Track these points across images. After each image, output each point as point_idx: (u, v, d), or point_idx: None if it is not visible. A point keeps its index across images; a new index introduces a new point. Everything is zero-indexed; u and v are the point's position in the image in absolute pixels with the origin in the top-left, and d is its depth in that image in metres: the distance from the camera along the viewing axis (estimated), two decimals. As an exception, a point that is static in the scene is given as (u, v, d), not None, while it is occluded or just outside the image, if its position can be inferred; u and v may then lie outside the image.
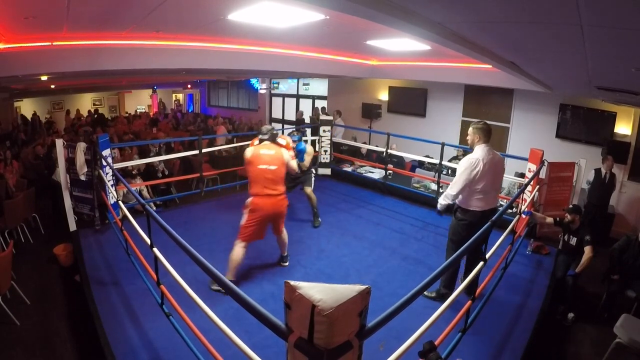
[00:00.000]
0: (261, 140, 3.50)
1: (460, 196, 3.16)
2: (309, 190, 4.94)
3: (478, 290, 2.57)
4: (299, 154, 4.61)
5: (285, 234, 3.77)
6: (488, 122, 3.29)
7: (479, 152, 3.09)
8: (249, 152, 3.39)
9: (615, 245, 3.93)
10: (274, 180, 3.36)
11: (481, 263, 2.48)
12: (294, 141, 4.57)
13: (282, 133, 5.05)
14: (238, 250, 3.40)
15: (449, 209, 3.40)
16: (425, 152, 6.63)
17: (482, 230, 2.34)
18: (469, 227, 3.12)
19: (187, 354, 2.34)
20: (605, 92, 4.03)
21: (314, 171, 5.09)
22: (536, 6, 1.50)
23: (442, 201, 3.27)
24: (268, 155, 3.39)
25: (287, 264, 3.97)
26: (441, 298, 3.32)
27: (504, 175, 5.93)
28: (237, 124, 11.53)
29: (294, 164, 3.69)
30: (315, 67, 6.35)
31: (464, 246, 2.15)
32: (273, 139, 3.53)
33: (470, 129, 3.19)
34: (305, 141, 5.15)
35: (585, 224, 4.04)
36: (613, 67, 2.56)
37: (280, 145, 3.65)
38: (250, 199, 3.38)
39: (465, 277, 3.22)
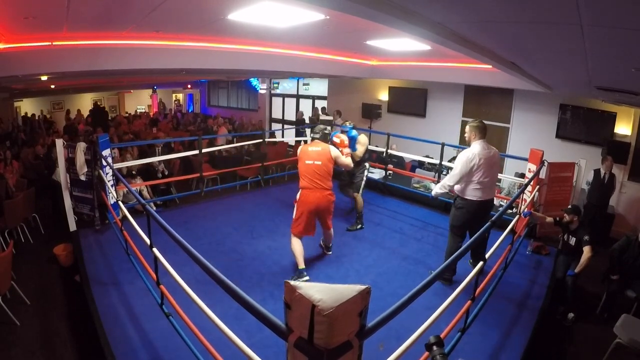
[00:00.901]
0: (313, 139, 3.77)
1: (458, 186, 3.46)
2: (356, 194, 4.87)
3: (478, 290, 2.57)
4: (351, 141, 4.58)
5: (332, 230, 3.96)
6: (488, 122, 3.44)
7: (476, 147, 3.37)
8: (299, 150, 3.72)
9: (615, 245, 3.93)
10: (321, 175, 3.58)
11: (481, 263, 2.48)
12: (343, 131, 4.62)
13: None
14: (294, 242, 3.64)
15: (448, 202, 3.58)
16: (425, 152, 6.63)
17: (487, 227, 2.42)
18: (468, 214, 3.44)
19: (187, 354, 2.34)
20: (605, 92, 4.03)
21: (367, 167, 4.90)
22: (536, 6, 1.50)
23: (438, 190, 3.64)
24: (314, 151, 3.63)
25: (331, 252, 4.20)
26: (444, 281, 3.62)
27: (505, 175, 6.05)
28: (237, 124, 11.52)
29: (345, 160, 3.86)
30: (315, 67, 6.35)
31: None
32: (325, 138, 3.76)
33: (467, 127, 3.51)
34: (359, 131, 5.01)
35: (584, 224, 4.04)
36: (613, 67, 2.56)
37: (335, 144, 3.87)
38: (298, 193, 3.64)
39: (474, 260, 3.52)
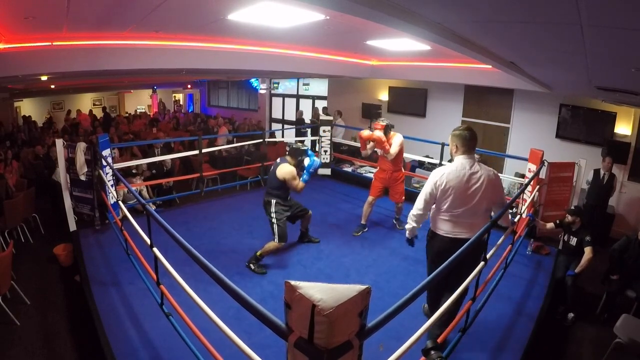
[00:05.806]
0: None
1: (426, 216, 2.68)
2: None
3: (478, 291, 2.57)
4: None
5: (400, 205, 4.93)
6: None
7: (451, 165, 2.54)
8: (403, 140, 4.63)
9: (615, 245, 3.93)
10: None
11: (482, 263, 2.48)
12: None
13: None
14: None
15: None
16: (425, 152, 6.62)
17: (486, 227, 2.25)
18: (437, 253, 2.56)
19: (187, 354, 2.34)
20: (605, 92, 4.03)
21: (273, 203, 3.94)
22: (536, 6, 1.50)
23: (407, 225, 2.77)
24: None
25: (401, 227, 4.79)
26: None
27: (505, 175, 6.02)
28: (237, 125, 11.52)
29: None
30: (315, 67, 6.34)
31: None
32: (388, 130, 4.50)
33: (449, 136, 2.61)
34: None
35: (586, 225, 4.04)
36: (613, 67, 2.56)
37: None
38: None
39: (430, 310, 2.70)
